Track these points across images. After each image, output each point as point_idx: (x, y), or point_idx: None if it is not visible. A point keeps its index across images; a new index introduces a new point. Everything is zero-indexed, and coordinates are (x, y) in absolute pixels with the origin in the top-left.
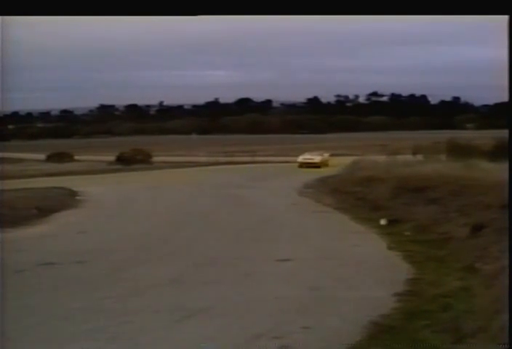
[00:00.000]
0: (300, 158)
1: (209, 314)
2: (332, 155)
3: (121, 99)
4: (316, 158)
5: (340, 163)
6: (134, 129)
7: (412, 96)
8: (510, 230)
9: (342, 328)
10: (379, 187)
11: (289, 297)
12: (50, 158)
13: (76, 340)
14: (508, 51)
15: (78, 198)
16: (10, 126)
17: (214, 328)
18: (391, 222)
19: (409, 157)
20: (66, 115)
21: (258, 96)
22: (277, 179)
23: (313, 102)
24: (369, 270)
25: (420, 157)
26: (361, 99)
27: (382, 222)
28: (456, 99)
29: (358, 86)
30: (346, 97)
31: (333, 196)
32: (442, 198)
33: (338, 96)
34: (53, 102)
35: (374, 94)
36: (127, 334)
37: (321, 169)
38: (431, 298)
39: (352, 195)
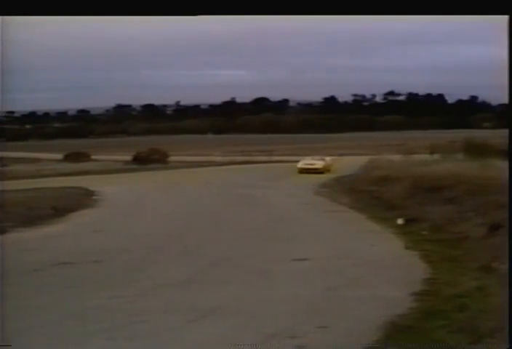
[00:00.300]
0: (300, 164)
1: (223, 314)
2: (341, 155)
3: (137, 99)
4: (318, 164)
5: (345, 166)
6: (151, 129)
7: (429, 95)
8: (510, 229)
9: (359, 328)
10: (395, 186)
11: (305, 296)
12: (67, 158)
13: (89, 339)
14: (508, 52)
15: (94, 197)
16: (27, 126)
17: (229, 328)
18: (408, 222)
19: (425, 156)
20: (83, 115)
21: (275, 95)
22: (293, 179)
23: (330, 101)
24: (386, 269)
25: (436, 156)
26: (378, 99)
27: (399, 221)
28: (473, 98)
29: (374, 85)
30: (363, 96)
31: (349, 195)
32: (459, 197)
33: (355, 95)
34: (70, 102)
35: (391, 93)
36: (142, 334)
37: (324, 175)
38: (448, 298)
39: (368, 194)
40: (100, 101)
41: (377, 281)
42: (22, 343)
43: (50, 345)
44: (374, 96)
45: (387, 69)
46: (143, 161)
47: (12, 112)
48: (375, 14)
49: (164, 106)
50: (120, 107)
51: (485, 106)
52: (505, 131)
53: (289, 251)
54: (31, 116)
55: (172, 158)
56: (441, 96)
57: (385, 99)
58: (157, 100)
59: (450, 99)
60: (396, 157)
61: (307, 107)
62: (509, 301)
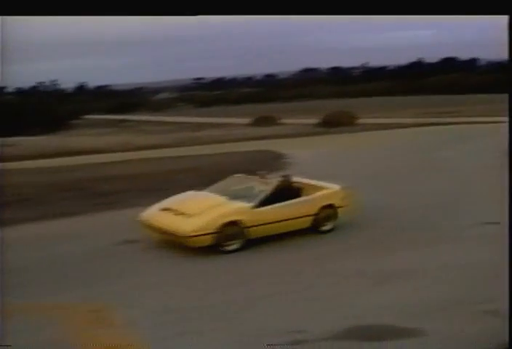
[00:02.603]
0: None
1: (410, 277)
2: None
3: (324, 62)
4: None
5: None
6: (338, 92)
7: None
8: (510, 229)
9: None
10: None
11: (493, 261)
12: (254, 122)
13: None
14: (508, 51)
15: (284, 160)
16: (215, 92)
17: (413, 291)
18: None
19: None
20: (269, 79)
21: (463, 55)
22: (482, 141)
23: None
24: None
25: None
26: None
27: None
28: None
29: None
30: None
31: None
32: None
33: None
34: (257, 67)
35: None
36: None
37: None
38: None
39: None
40: (286, 65)
41: None
42: None
43: None
44: None
45: None
46: (331, 124)
47: (200, 78)
48: (375, 14)
49: (351, 69)
50: (306, 71)
51: None
52: None
53: (481, 215)
54: (219, 82)
55: (360, 121)
56: None
57: None
58: (344, 63)
59: None
60: None
61: (494, 65)
62: (509, 302)
